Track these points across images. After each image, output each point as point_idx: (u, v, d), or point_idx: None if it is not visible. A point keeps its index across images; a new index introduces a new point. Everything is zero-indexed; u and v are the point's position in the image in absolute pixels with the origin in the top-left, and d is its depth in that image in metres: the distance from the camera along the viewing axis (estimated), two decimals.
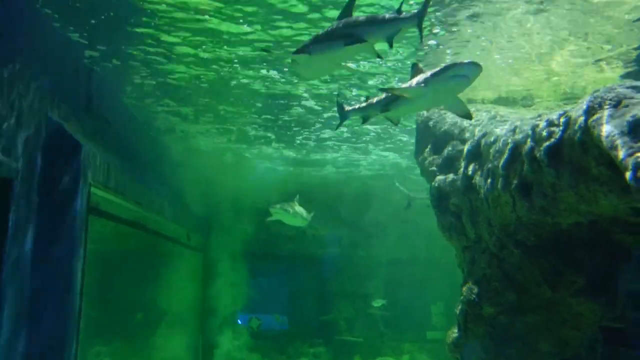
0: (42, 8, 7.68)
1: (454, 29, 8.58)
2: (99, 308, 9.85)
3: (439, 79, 6.01)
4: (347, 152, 16.78)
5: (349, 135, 15.04)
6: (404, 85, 6.69)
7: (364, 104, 7.55)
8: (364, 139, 15.46)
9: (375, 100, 7.33)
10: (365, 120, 7.76)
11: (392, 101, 6.83)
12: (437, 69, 6.10)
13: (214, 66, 10.14)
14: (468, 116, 6.68)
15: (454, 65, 5.89)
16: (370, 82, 11.02)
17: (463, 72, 5.81)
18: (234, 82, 10.94)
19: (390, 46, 5.66)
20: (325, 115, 13.13)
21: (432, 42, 9.11)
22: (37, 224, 6.48)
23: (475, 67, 5.74)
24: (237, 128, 14.25)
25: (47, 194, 6.65)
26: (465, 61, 5.81)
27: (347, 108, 8.03)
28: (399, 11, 5.55)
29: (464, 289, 8.74)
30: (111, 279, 10.87)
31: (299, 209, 12.81)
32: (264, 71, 10.34)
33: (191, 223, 16.23)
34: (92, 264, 7.36)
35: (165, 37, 8.91)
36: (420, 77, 6.34)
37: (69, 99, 7.65)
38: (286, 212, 12.43)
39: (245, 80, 10.86)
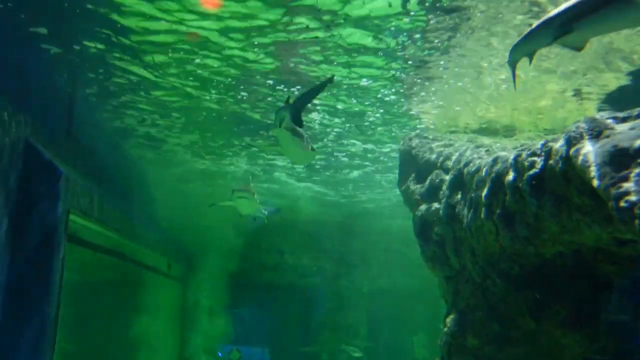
0: (25, 33, 7.64)
1: (434, 63, 8.74)
2: (74, 340, 9.56)
3: None
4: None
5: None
6: None
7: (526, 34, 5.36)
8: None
9: (542, 21, 4.87)
10: (531, 58, 5.57)
11: (581, 15, 4.31)
12: None
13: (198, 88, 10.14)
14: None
15: None
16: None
17: None
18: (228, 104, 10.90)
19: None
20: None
21: (411, 74, 9.26)
22: (13, 250, 6.29)
23: None
24: (219, 146, 14.12)
25: (24, 221, 6.48)
26: None
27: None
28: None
29: (448, 319, 8.66)
30: (87, 310, 10.59)
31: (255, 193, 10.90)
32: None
33: (172, 252, 15.97)
34: (68, 293, 7.15)
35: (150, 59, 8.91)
36: None
37: (49, 124, 7.55)
38: (251, 198, 10.30)
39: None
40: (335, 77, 6.99)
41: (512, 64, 5.94)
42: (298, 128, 7.14)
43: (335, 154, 14.09)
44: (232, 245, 18.70)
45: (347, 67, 8.98)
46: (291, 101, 6.33)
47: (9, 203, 6.22)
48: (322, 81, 6.35)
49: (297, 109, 6.08)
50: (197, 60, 8.87)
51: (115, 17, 7.50)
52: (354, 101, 10.56)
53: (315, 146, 7.98)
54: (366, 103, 10.67)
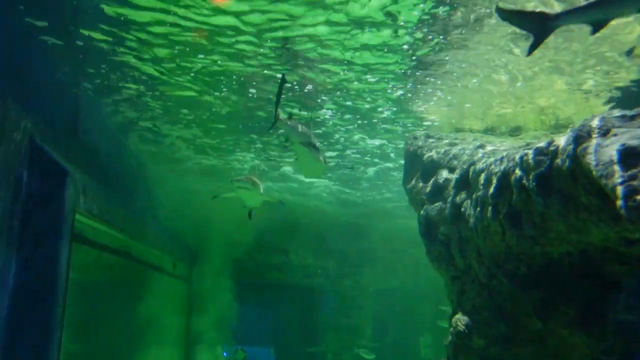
0: (32, 33, 7.64)
1: (440, 61, 8.68)
2: (80, 341, 9.56)
3: None
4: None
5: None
6: None
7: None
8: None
9: None
10: (597, 28, 4.48)
11: None
12: None
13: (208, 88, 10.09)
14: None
15: None
16: None
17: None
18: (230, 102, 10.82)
19: None
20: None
21: (418, 72, 9.20)
22: (19, 251, 6.30)
23: None
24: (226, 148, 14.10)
25: (31, 221, 6.49)
26: None
27: (549, 13, 4.90)
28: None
29: (453, 320, 8.62)
30: (92, 310, 10.58)
31: (261, 184, 9.81)
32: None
33: (177, 251, 15.99)
34: (73, 294, 7.16)
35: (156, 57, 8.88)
36: None
37: (54, 124, 7.55)
38: (252, 189, 9.24)
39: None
40: (286, 76, 7.90)
41: (551, 30, 4.89)
42: (315, 142, 8.04)
43: (347, 151, 13.98)
44: (237, 245, 18.71)
45: (353, 61, 8.88)
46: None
47: (15, 203, 6.22)
48: (278, 84, 7.03)
49: (274, 117, 7.18)
50: (201, 55, 8.77)
51: (119, 9, 7.42)
52: (368, 98, 10.49)
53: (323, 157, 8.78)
54: (378, 101, 10.62)
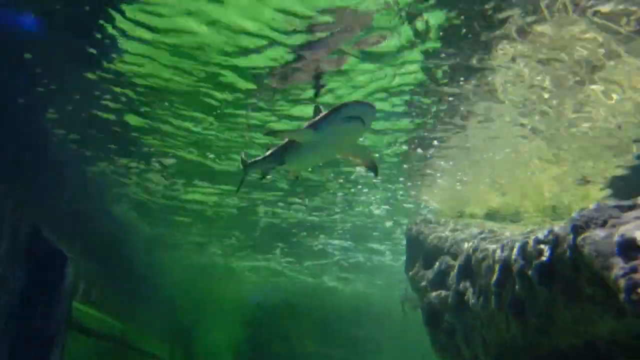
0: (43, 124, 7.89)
1: (442, 151, 8.87)
2: None
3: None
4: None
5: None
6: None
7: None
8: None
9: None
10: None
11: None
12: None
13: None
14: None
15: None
16: None
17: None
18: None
19: None
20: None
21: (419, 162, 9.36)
22: (17, 337, 6.17)
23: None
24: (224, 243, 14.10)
25: (28, 308, 6.41)
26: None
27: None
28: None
29: None
30: None
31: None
32: None
33: (175, 336, 15.56)
34: None
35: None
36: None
37: (58, 211, 7.63)
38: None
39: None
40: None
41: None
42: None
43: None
44: (236, 330, 18.27)
45: None
46: None
47: (14, 291, 6.17)
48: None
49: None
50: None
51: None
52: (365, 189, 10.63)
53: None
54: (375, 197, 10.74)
